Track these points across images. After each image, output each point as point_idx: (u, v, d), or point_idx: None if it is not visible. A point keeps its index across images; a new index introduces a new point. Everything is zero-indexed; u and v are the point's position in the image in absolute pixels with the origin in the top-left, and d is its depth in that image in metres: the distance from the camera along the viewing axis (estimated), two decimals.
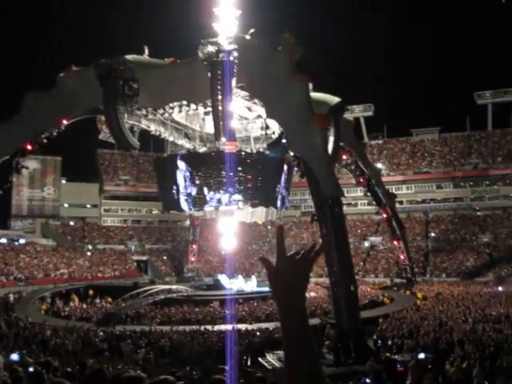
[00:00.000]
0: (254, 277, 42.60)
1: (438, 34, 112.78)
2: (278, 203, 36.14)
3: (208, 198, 33.43)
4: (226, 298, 34.14)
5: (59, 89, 29.64)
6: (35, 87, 31.71)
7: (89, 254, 60.67)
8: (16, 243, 58.40)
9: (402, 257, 47.61)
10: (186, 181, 34.08)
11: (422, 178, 67.58)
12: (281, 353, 19.49)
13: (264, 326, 25.36)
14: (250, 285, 40.19)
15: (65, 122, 30.92)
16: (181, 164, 34.52)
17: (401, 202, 62.25)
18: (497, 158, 65.06)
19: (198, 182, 33.74)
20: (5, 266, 49.96)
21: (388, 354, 18.08)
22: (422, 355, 15.52)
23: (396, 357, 17.58)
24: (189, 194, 34.36)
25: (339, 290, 23.31)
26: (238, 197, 32.83)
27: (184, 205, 35.28)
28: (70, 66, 30.75)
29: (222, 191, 32.55)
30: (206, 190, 33.43)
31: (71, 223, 69.72)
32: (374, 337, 22.37)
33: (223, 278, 41.55)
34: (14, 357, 10.59)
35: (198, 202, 34.46)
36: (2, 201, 50.26)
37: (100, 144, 56.13)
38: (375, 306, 32.98)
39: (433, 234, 63.05)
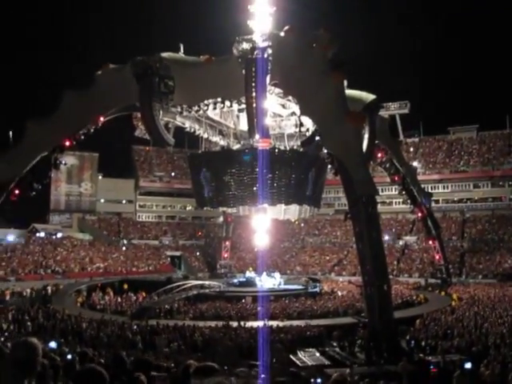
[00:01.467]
0: (277, 273, 42.64)
1: (478, 30, 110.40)
2: (312, 201, 36.04)
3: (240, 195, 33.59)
4: (258, 294, 34.22)
5: (96, 86, 30.15)
6: (74, 85, 32.35)
7: (124, 248, 61.64)
8: (54, 237, 59.78)
9: (437, 257, 46.88)
10: (219, 178, 34.30)
11: (458, 177, 66.28)
12: (312, 350, 19.48)
13: (295, 323, 25.33)
14: (273, 281, 40.23)
15: (102, 119, 31.49)
16: (215, 161, 34.80)
17: (437, 201, 61.24)
18: None
19: (231, 179, 33.91)
20: (43, 259, 51.22)
21: (421, 355, 17.87)
22: (468, 365, 14.78)
23: (430, 358, 17.36)
24: (222, 191, 34.59)
25: (372, 289, 23.08)
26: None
27: (217, 201, 35.55)
28: (107, 64, 31.25)
29: (255, 188, 32.60)
30: (238, 187, 33.58)
31: (107, 218, 70.97)
32: (407, 337, 22.10)
33: (250, 274, 41.97)
34: (52, 344, 10.87)
35: (232, 198, 34.66)
36: (41, 196, 51.49)
37: (136, 140, 56.91)
38: (409, 306, 32.57)
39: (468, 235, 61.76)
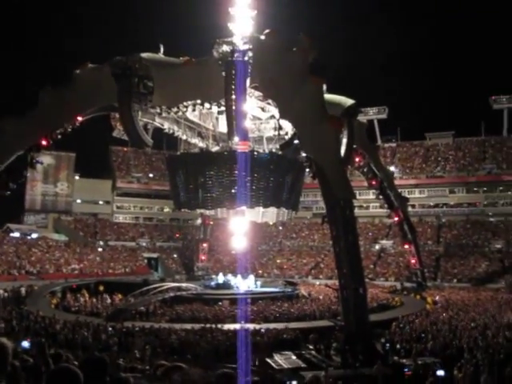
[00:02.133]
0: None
1: (453, 37, 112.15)
2: (289, 204, 36.13)
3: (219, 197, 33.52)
4: (236, 297, 34.18)
5: (75, 85, 29.83)
6: (51, 84, 31.94)
7: (100, 250, 61.06)
8: (28, 237, 58.95)
9: (412, 261, 47.37)
10: (197, 179, 34.17)
11: (434, 182, 67.24)
12: (288, 353, 19.53)
13: (272, 326, 25.34)
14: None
15: (80, 118, 31.17)
16: (193, 162, 34.68)
17: (413, 206, 61.99)
18: (511, 164, 64.47)
19: (209, 181, 33.82)
20: (17, 259, 50.46)
21: (396, 358, 18.07)
22: (441, 372, 14.82)
23: (404, 361, 17.56)
24: (200, 193, 34.46)
25: (348, 292, 23.25)
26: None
27: (195, 203, 35.42)
28: (86, 63, 30.95)
29: (233, 190, 32.57)
30: (217, 189, 33.50)
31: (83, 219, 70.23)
32: (383, 340, 22.29)
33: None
34: (25, 344, 10.69)
35: (210, 201, 34.56)
36: (16, 195, 50.72)
37: (113, 141, 56.53)
38: (384, 310, 32.84)
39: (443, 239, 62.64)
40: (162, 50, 31.04)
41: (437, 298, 38.51)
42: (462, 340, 20.20)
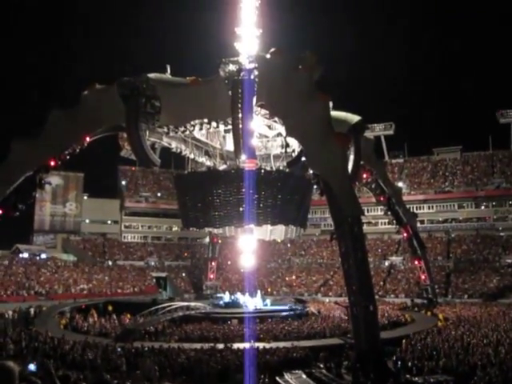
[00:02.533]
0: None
1: (460, 52, 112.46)
2: (298, 221, 36.06)
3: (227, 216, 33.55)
4: (245, 315, 33.96)
5: (83, 106, 30.10)
6: (60, 105, 32.29)
7: (109, 269, 61.04)
8: (37, 258, 59.08)
9: (422, 277, 46.98)
10: (205, 198, 34.22)
11: (443, 198, 66.95)
12: (298, 372, 19.33)
13: (282, 344, 25.12)
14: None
15: (88, 138, 31.38)
16: (201, 181, 34.80)
17: (422, 222, 61.64)
18: None
19: (217, 199, 33.85)
20: (26, 280, 50.55)
21: (408, 376, 17.84)
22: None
23: (416, 379, 17.33)
24: (208, 212, 34.49)
25: (358, 309, 23.03)
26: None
27: (203, 222, 35.46)
28: (94, 84, 31.26)
29: (241, 209, 32.58)
30: (225, 207, 33.53)
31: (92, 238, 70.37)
32: (394, 358, 22.02)
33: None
34: (31, 367, 10.67)
35: (218, 219, 34.56)
36: (25, 216, 50.95)
37: (121, 161, 56.82)
38: (395, 327, 32.49)
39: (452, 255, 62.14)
40: (168, 70, 31.32)
41: (447, 314, 38.09)
42: (475, 357, 19.92)
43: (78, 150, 31.73)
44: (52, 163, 31.10)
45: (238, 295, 42.06)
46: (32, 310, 38.03)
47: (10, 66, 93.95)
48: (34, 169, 30.59)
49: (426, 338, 26.28)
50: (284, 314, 37.43)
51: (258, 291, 44.00)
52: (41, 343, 24.68)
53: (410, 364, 20.65)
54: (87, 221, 71.20)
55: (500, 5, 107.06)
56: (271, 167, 37.70)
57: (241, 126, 28.15)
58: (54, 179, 55.01)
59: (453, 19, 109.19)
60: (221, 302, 42.04)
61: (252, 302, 39.73)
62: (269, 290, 58.48)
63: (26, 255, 58.81)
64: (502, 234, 63.23)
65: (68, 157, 31.70)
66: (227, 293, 44.07)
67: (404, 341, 25.38)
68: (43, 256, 60.11)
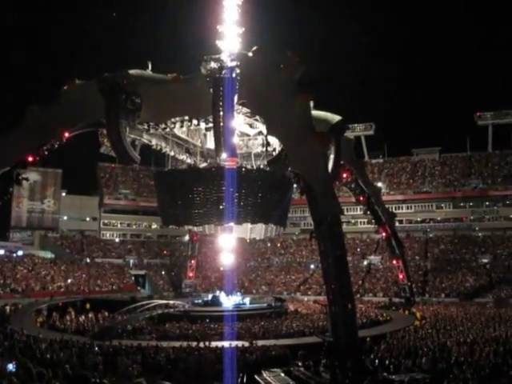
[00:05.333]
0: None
1: (439, 54, 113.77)
2: (277, 220, 36.14)
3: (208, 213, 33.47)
4: (224, 314, 33.92)
5: (62, 102, 29.72)
6: (38, 100, 31.83)
7: (87, 267, 60.45)
8: (14, 255, 58.25)
9: (400, 276, 47.42)
10: (185, 196, 34.09)
11: (421, 198, 67.71)
12: (277, 371, 19.36)
13: (260, 342, 25.15)
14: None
15: (67, 134, 30.94)
16: (181, 179, 34.65)
17: (400, 222, 62.27)
18: (497, 179, 65.24)
19: (197, 197, 33.74)
20: (2, 277, 49.79)
21: (385, 374, 17.97)
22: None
23: (393, 377, 17.47)
24: (188, 209, 34.36)
25: (337, 308, 23.14)
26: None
27: (183, 220, 35.32)
28: (74, 80, 30.89)
29: (221, 207, 32.53)
30: (204, 205, 33.45)
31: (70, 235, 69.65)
32: (372, 356, 22.17)
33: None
34: (10, 367, 10.52)
35: (198, 217, 34.46)
36: (1, 212, 50.19)
37: (101, 157, 56.24)
38: (373, 325, 32.75)
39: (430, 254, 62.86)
40: (150, 66, 31.11)
41: (425, 313, 38.53)
42: (452, 355, 20.16)
43: (56, 146, 31.30)
44: (30, 159, 30.59)
45: (218, 293, 41.97)
46: (8, 308, 37.50)
47: None
48: (11, 164, 30.10)
49: (403, 336, 26.54)
50: (263, 312, 37.48)
51: (239, 290, 44.02)
52: (16, 341, 24.33)
53: (387, 362, 20.80)
54: (65, 218, 70.42)
55: (480, 7, 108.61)
56: (252, 166, 37.73)
57: (222, 124, 28.07)
58: (32, 175, 54.14)
59: (431, 20, 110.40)
60: (200, 301, 41.96)
61: (232, 301, 39.70)
62: (248, 288, 58.48)
63: (1, 252, 57.96)
64: (478, 234, 64.23)
65: (46, 152, 31.23)
66: (210, 293, 43.90)
67: (382, 339, 25.60)
68: (20, 253, 59.31)
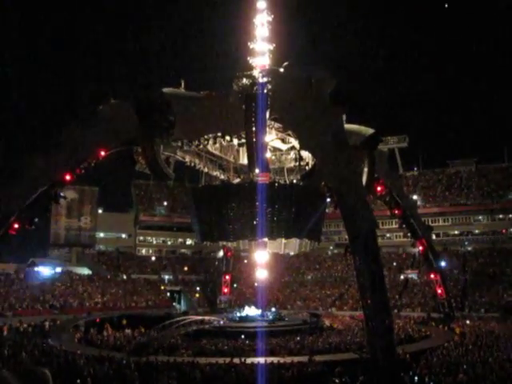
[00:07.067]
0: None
1: (474, 65, 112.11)
2: (312, 235, 35.93)
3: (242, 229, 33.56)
4: (259, 329, 33.75)
5: (98, 121, 30.40)
6: (75, 119, 32.58)
7: (123, 283, 61.13)
8: (52, 271, 59.34)
9: (439, 291, 46.40)
10: (219, 211, 34.28)
11: (458, 210, 66.32)
12: None
13: (296, 359, 24.89)
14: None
15: (103, 153, 31.63)
16: (215, 195, 34.88)
17: (437, 235, 61.09)
18: None
19: (231, 212, 33.89)
20: (41, 293, 50.75)
21: None
22: None
23: None
24: (223, 225, 34.52)
25: (374, 323, 22.79)
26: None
27: (217, 235, 35.49)
28: (109, 99, 31.59)
29: (255, 222, 32.58)
30: (239, 221, 33.55)
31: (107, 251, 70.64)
32: (410, 373, 21.70)
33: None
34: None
35: (232, 232, 34.58)
36: (40, 230, 51.31)
37: (136, 175, 57.12)
38: (412, 342, 32.07)
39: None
40: (183, 84, 31.59)
41: (465, 328, 37.57)
42: (493, 372, 19.57)
43: (92, 165, 31.98)
44: (67, 177, 31.34)
45: (253, 309, 41.80)
46: (47, 324, 38.16)
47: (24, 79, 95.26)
48: (49, 183, 30.86)
49: (443, 352, 25.91)
50: (298, 327, 37.15)
51: (274, 306, 43.81)
52: (55, 357, 24.71)
53: (427, 379, 20.33)
54: (102, 234, 71.57)
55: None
56: (285, 181, 37.71)
57: (254, 139, 28.24)
58: (69, 193, 55.34)
59: (465, 30, 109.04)
60: (235, 316, 41.87)
61: (267, 316, 39.50)
62: (283, 303, 58.12)
63: (41, 268, 59.14)
64: None
65: (83, 171, 31.95)
66: (246, 307, 43.66)
67: (421, 356, 25.04)
68: (58, 269, 60.40)
